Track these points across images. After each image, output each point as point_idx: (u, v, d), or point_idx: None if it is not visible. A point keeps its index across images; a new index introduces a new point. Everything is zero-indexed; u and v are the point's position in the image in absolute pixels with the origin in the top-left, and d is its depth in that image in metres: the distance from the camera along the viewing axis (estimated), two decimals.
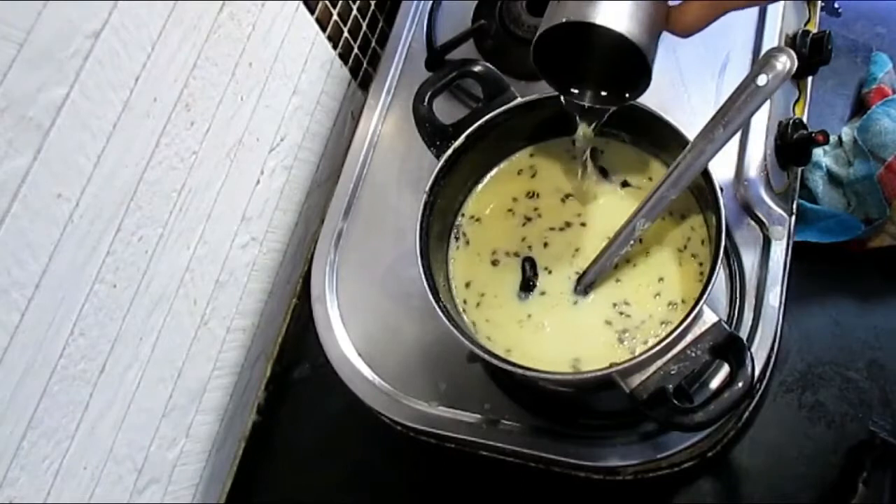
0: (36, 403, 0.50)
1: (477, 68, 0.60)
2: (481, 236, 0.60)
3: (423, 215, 0.54)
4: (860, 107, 0.73)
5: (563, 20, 0.45)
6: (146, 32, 0.54)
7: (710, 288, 0.48)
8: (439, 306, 0.52)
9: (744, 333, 0.58)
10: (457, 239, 0.60)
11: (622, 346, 0.54)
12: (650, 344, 0.52)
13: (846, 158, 0.70)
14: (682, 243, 0.56)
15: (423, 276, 0.53)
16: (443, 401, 0.62)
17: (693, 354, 0.48)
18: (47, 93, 0.47)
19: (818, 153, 0.71)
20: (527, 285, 0.57)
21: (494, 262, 0.59)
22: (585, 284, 0.55)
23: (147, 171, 0.57)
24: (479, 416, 0.61)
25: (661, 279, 0.55)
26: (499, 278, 0.58)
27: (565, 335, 0.55)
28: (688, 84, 0.68)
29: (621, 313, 0.55)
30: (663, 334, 0.49)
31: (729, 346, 0.48)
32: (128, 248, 0.56)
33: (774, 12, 0.68)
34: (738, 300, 0.59)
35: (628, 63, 0.46)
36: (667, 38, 0.69)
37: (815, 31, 0.70)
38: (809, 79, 0.72)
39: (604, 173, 0.59)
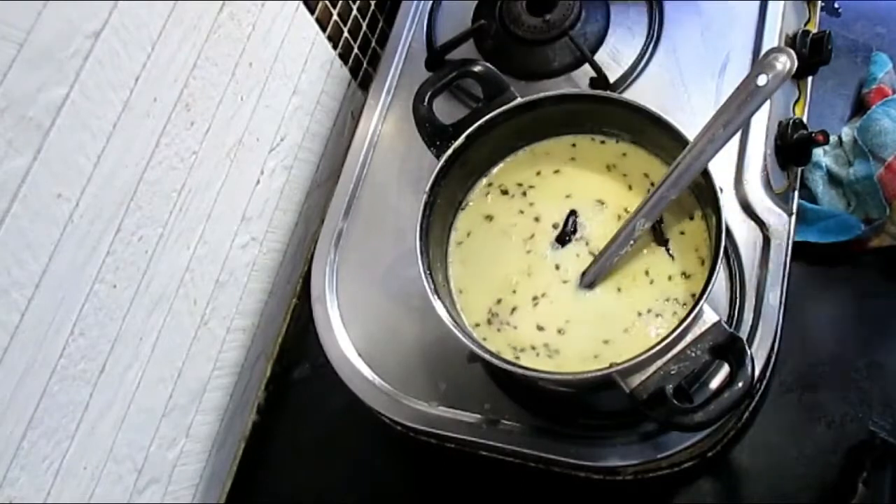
0: (36, 403, 0.50)
1: (477, 68, 0.60)
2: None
3: (423, 215, 0.54)
4: (860, 107, 0.73)
5: None
6: (146, 32, 0.54)
7: (710, 288, 0.48)
8: (439, 306, 0.52)
9: (744, 333, 0.58)
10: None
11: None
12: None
13: (846, 158, 0.70)
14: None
15: (423, 276, 0.53)
16: (443, 401, 0.62)
17: (693, 354, 0.48)
18: (47, 93, 0.47)
19: (818, 153, 0.71)
20: (563, 238, 0.57)
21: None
22: (587, 283, 0.55)
23: (147, 171, 0.57)
24: (479, 416, 0.61)
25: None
26: None
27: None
28: (688, 84, 0.68)
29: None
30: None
31: (729, 346, 0.48)
32: (128, 248, 0.56)
33: (774, 12, 0.68)
34: (738, 300, 0.59)
35: None
36: (667, 39, 0.70)
37: (815, 31, 0.70)
38: (809, 79, 0.72)
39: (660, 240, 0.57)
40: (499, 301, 0.57)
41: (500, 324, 0.56)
